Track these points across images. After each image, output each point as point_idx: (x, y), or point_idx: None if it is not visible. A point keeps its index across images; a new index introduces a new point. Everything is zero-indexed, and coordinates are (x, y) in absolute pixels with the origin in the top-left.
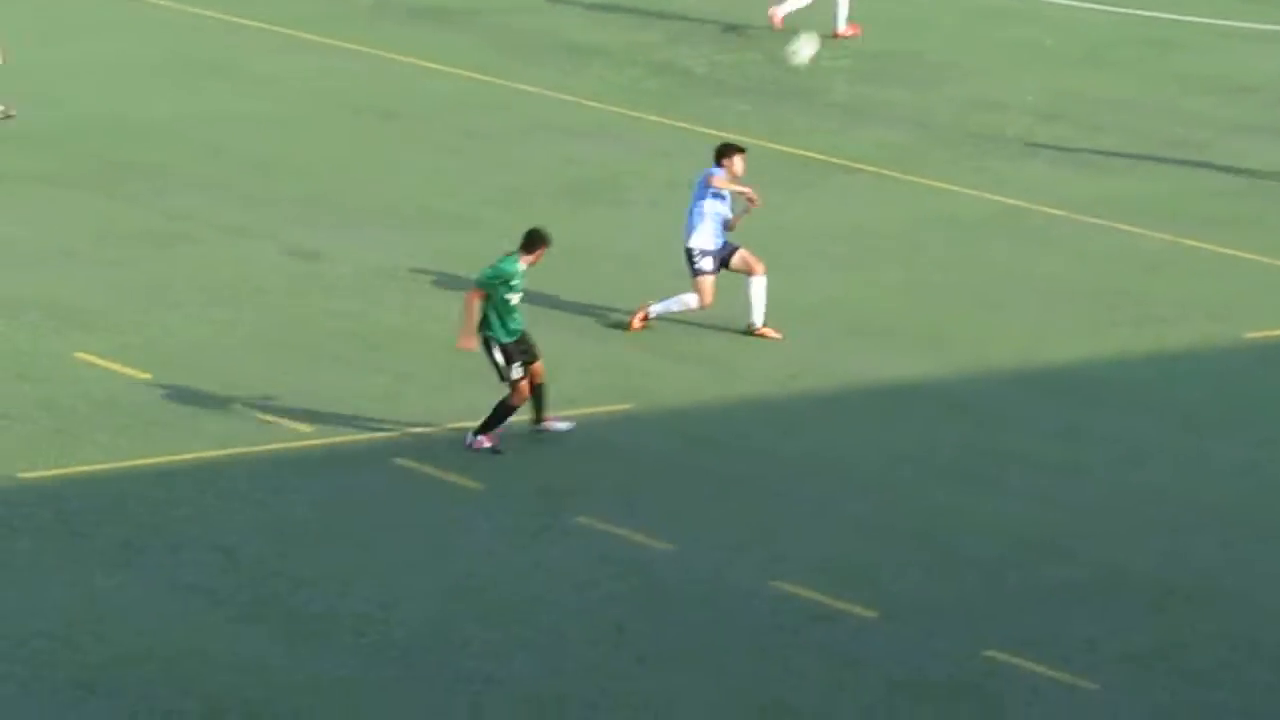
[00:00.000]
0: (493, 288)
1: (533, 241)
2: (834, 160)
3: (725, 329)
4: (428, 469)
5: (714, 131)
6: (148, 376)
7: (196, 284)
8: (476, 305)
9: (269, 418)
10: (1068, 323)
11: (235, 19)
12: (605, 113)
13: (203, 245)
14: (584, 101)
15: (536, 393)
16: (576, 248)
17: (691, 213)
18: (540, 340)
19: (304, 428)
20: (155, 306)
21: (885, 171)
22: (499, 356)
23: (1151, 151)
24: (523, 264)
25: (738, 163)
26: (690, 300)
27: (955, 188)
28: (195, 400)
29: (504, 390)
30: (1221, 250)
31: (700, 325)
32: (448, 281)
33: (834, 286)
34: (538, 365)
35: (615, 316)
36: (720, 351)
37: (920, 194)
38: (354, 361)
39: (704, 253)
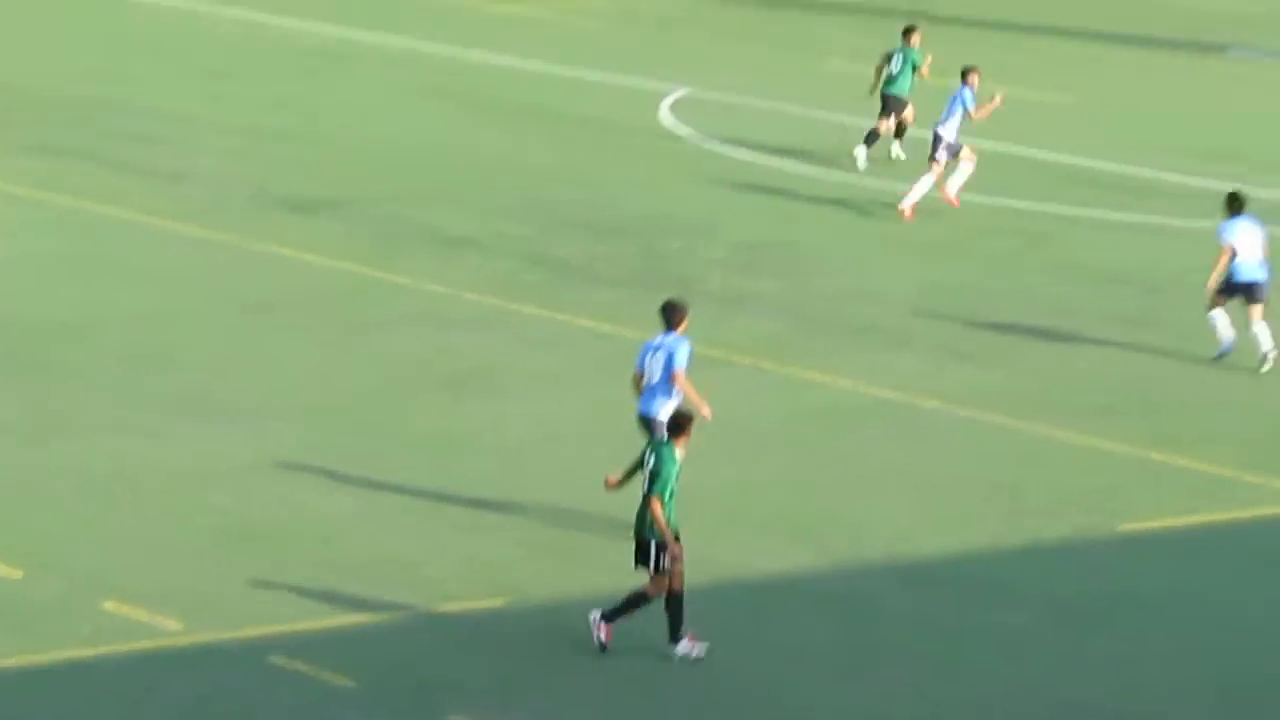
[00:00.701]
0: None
1: (679, 425)
2: (710, 352)
3: (600, 520)
4: (301, 666)
5: (590, 323)
6: (19, 574)
7: (69, 479)
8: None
9: (141, 615)
10: (942, 514)
11: (112, 211)
12: (483, 304)
13: (76, 440)
14: (461, 293)
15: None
16: (453, 439)
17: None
18: (413, 533)
19: (175, 625)
20: (27, 502)
21: (761, 363)
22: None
23: (1025, 342)
24: (679, 451)
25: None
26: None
27: (831, 378)
28: (66, 598)
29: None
30: (1095, 442)
31: (574, 517)
32: (322, 475)
33: (709, 477)
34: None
35: (491, 511)
36: (594, 544)
37: (796, 385)
38: (227, 557)
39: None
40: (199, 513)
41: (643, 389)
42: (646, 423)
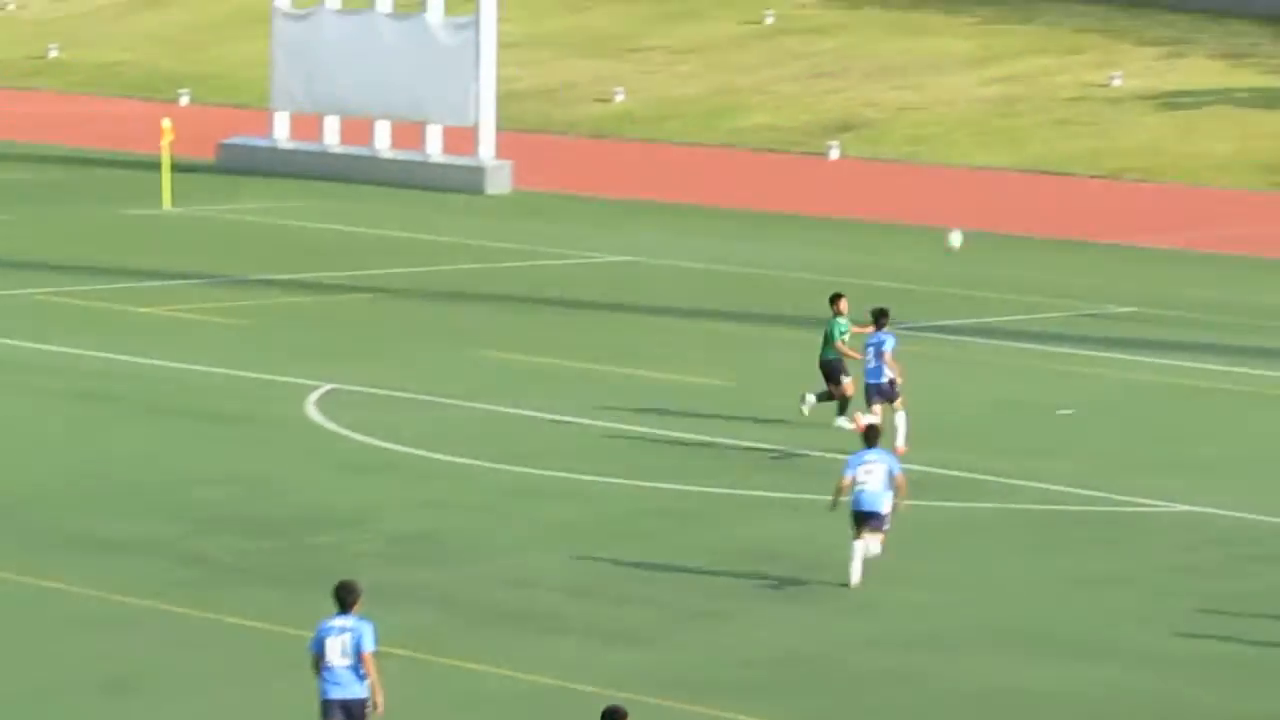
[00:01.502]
0: None
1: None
2: None
3: None
4: None
5: (243, 621)
6: None
7: None
8: None
9: None
10: None
11: None
12: (135, 606)
13: None
14: (112, 595)
15: None
16: None
17: None
18: None
19: None
20: None
21: (417, 655)
22: None
23: (680, 623)
24: None
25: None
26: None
27: (486, 668)
28: None
29: None
30: None
31: None
32: None
33: None
34: None
35: None
36: None
37: (451, 676)
38: None
39: None
40: None
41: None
42: (345, 708)
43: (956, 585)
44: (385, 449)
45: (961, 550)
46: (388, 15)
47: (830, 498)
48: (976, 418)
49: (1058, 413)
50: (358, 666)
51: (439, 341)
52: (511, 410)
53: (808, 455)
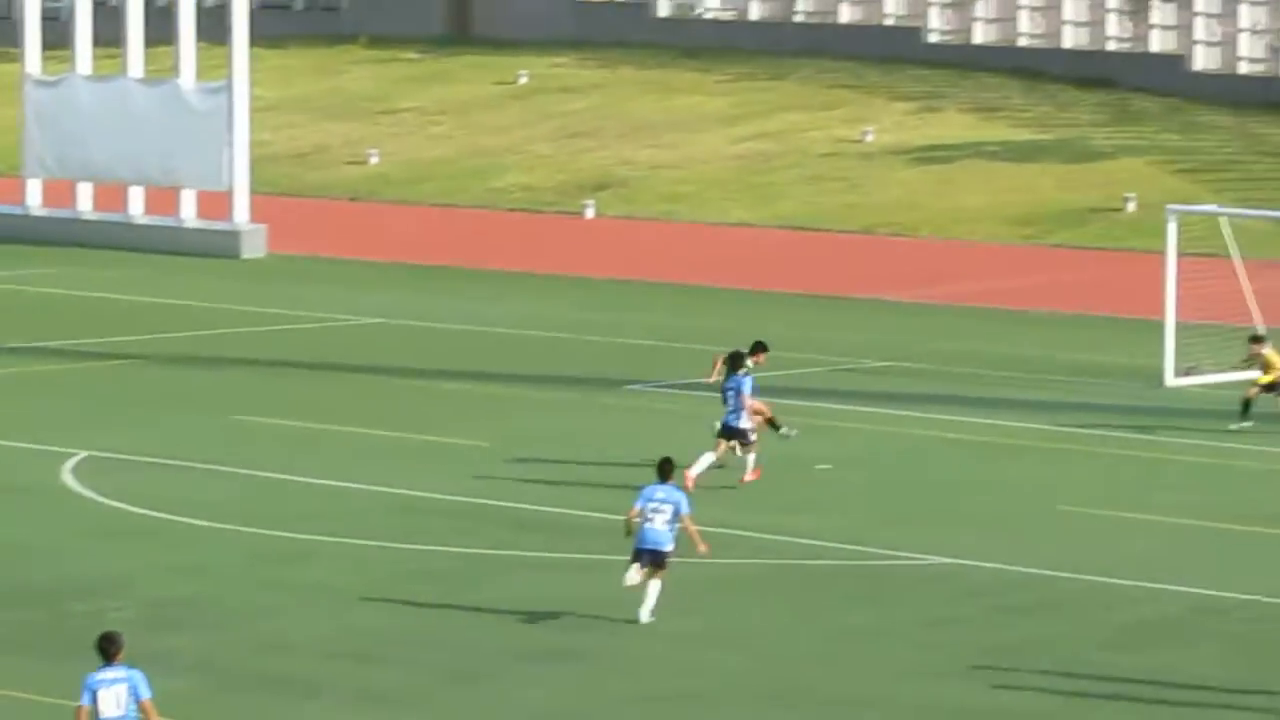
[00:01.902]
0: None
1: None
2: None
3: None
4: None
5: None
6: None
7: None
8: None
9: None
10: None
11: None
12: None
13: None
14: None
15: None
16: None
17: None
18: None
19: None
20: None
21: None
22: None
23: (440, 684)
24: None
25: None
26: None
27: None
28: None
29: None
30: None
31: None
32: None
33: None
34: None
35: None
36: None
37: None
38: None
39: None
40: None
41: None
42: None
43: (718, 642)
44: (143, 515)
45: (723, 607)
46: (139, 81)
47: (625, 525)
48: (735, 474)
49: (816, 468)
50: (135, 716)
51: (196, 407)
52: (270, 474)
53: (566, 514)
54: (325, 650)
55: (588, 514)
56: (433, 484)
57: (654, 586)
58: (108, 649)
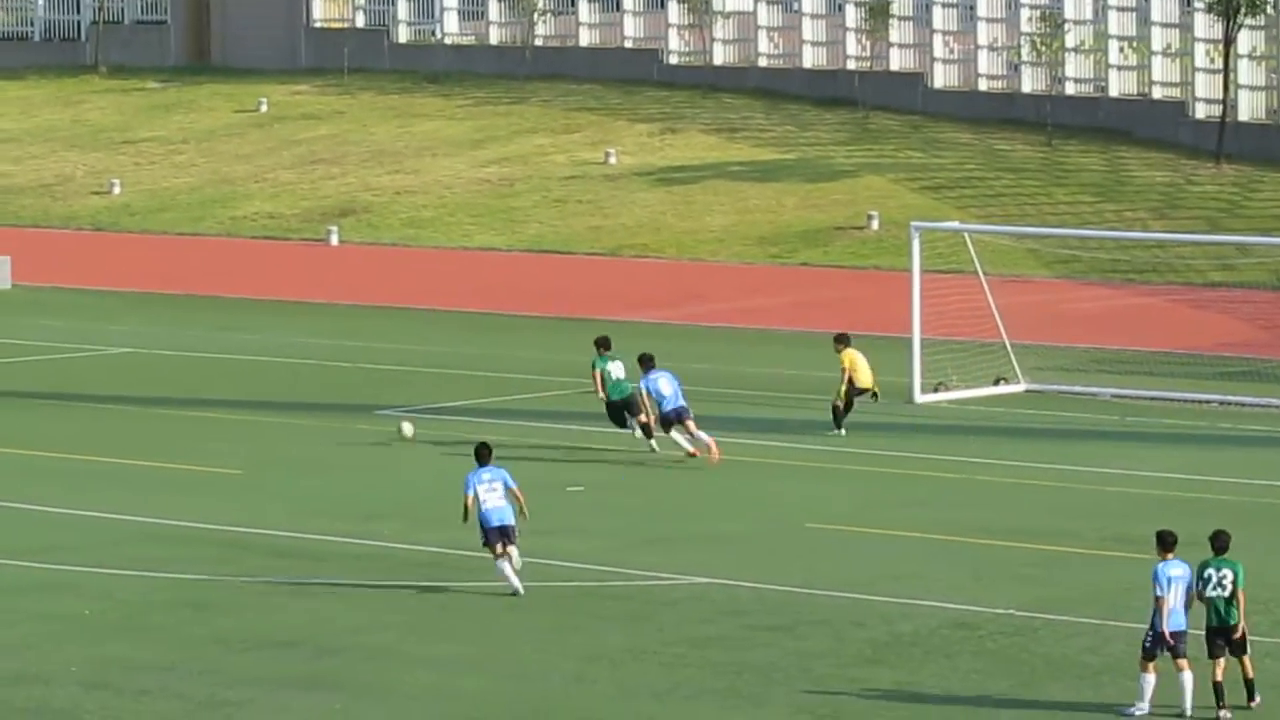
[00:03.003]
0: None
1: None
2: None
3: None
4: None
5: None
6: None
7: None
8: None
9: None
10: None
11: None
12: None
13: None
14: None
15: None
16: None
17: None
18: None
19: None
20: None
21: None
22: None
23: (201, 712)
24: None
25: None
26: None
27: None
28: None
29: None
30: None
31: None
32: None
33: None
34: None
35: None
36: None
37: None
38: None
39: None
40: None
41: None
42: None
43: (472, 666)
44: None
45: (476, 631)
46: None
47: (463, 512)
48: None
49: (567, 489)
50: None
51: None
52: (15, 505)
53: (319, 540)
54: (82, 681)
55: (341, 540)
56: (185, 512)
57: (516, 558)
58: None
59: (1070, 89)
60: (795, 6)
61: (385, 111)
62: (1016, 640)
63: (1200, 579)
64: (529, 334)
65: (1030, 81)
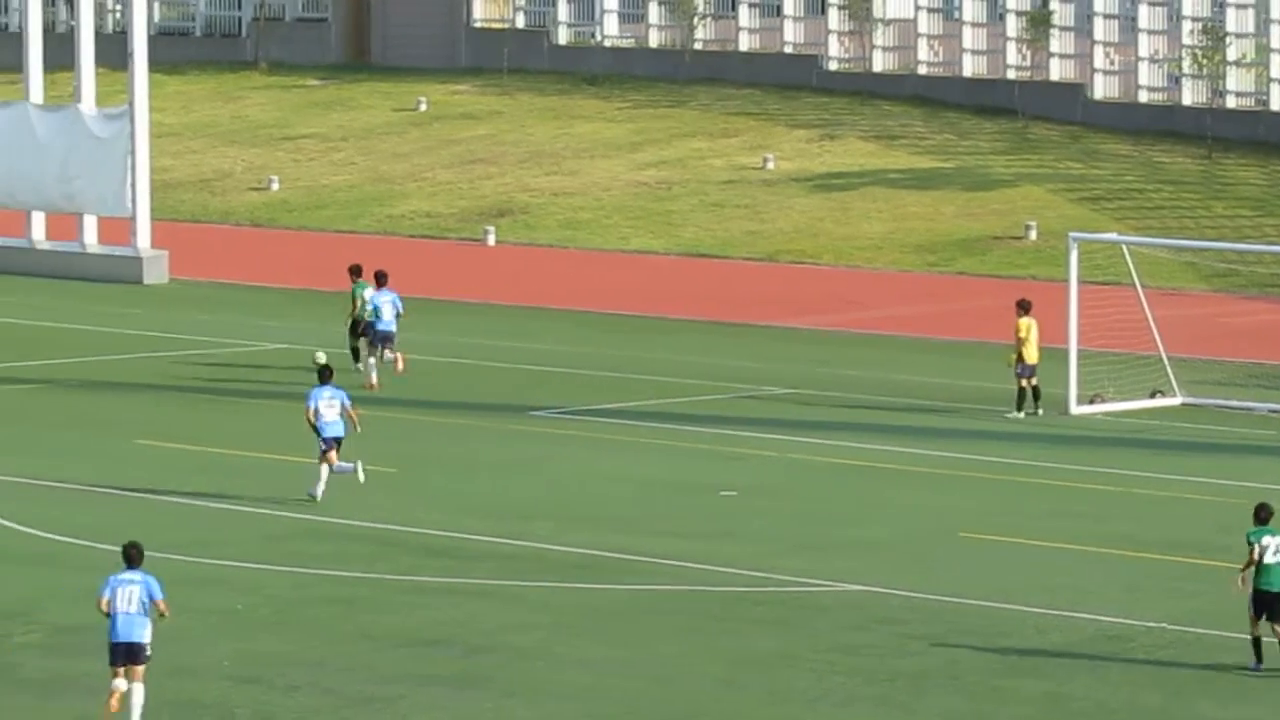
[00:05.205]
0: None
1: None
2: None
3: None
4: None
5: None
6: None
7: None
8: None
9: None
10: None
11: None
12: None
13: None
14: None
15: None
16: None
17: None
18: None
19: None
20: None
21: None
22: None
23: (352, 707)
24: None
25: None
26: None
27: None
28: None
29: None
30: None
31: None
32: None
33: None
34: None
35: None
36: None
37: None
38: None
39: None
40: None
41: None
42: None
43: (620, 668)
44: (45, 539)
45: (626, 633)
46: (39, 107)
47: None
48: (639, 500)
49: (721, 494)
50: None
51: (97, 432)
52: (171, 500)
53: (470, 540)
54: (233, 675)
55: (492, 539)
56: (339, 509)
57: (336, 464)
58: (131, 554)
59: (1231, 102)
60: (956, 14)
61: (543, 112)
62: (1168, 653)
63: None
64: (684, 337)
65: (1191, 94)
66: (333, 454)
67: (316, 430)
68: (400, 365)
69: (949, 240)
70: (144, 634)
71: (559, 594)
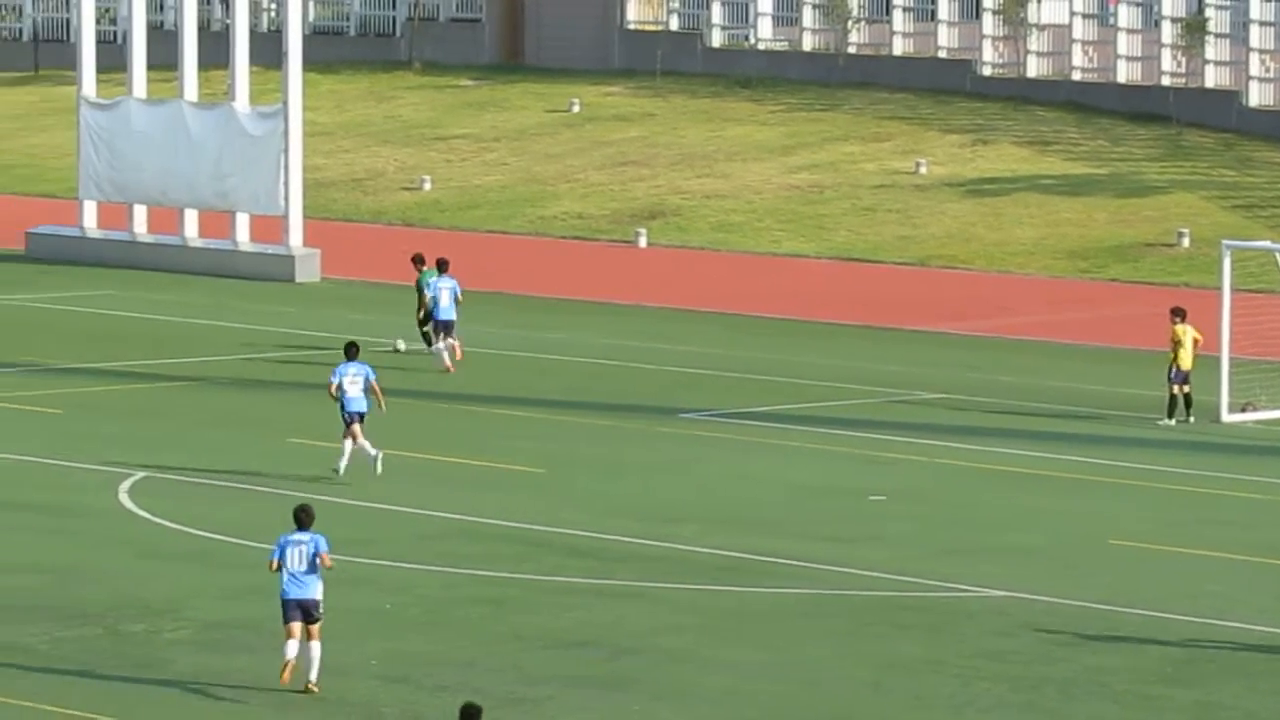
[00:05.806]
0: None
1: None
2: None
3: None
4: None
5: (55, 709)
6: None
7: None
8: None
9: None
10: None
11: None
12: None
13: None
14: None
15: None
16: None
17: None
18: None
19: None
20: None
21: None
22: None
23: (500, 708)
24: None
25: None
26: None
27: None
28: None
29: None
30: None
31: None
32: None
33: None
34: None
35: None
36: None
37: None
38: None
39: None
40: None
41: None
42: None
43: (767, 671)
44: (198, 536)
45: (772, 636)
46: (194, 105)
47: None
48: (787, 503)
49: (869, 498)
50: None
51: (250, 429)
52: (323, 497)
53: (618, 541)
54: (381, 674)
55: (639, 541)
56: (488, 509)
57: (362, 440)
58: (301, 516)
59: None
60: (1110, 20)
61: (696, 115)
62: None
63: None
64: (834, 341)
65: None
66: (356, 427)
67: (341, 404)
68: (458, 354)
69: (1101, 247)
70: (316, 591)
71: (705, 596)
